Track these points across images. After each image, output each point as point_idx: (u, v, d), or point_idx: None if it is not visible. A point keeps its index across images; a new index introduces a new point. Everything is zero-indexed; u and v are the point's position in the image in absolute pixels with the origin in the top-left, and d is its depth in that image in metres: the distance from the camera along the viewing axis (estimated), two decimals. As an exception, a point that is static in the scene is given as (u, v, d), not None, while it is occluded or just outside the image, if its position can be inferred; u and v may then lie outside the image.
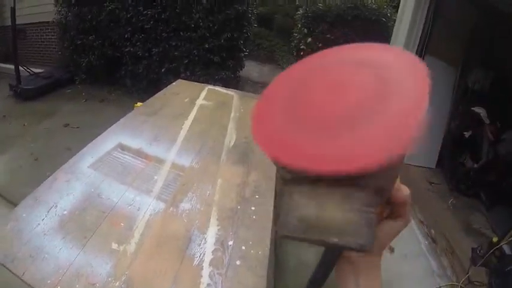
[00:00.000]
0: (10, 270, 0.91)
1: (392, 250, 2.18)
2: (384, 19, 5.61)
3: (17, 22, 4.89)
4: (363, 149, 0.27)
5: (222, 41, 4.46)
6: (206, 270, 0.93)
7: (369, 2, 5.77)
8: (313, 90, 0.34)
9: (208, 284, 0.90)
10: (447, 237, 2.26)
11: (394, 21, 3.97)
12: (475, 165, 2.82)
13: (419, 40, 3.15)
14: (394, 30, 3.62)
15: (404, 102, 0.29)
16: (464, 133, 3.01)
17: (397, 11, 3.83)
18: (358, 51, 0.38)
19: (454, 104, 3.30)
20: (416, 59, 0.33)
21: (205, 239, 1.05)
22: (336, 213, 0.30)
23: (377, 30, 5.47)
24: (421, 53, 3.16)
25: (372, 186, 0.29)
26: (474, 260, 2.06)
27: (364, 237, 0.29)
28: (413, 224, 2.48)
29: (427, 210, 2.60)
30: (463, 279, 1.97)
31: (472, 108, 2.91)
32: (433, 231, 2.36)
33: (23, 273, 0.90)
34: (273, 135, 0.32)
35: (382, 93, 0.30)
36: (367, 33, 5.34)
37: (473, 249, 2.11)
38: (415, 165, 3.23)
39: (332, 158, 0.27)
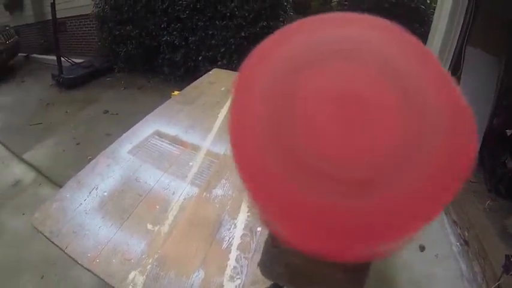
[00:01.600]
0: (55, 244, 1.01)
1: (423, 249, 2.12)
2: (423, 6, 5.32)
3: (57, 16, 5.12)
4: (381, 234, 0.21)
5: (258, 29, 4.41)
6: (233, 254, 0.97)
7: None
8: (307, 107, 0.23)
9: (235, 267, 0.93)
10: (481, 241, 2.15)
11: (434, 8, 3.77)
12: (518, 166, 2.64)
13: (461, 29, 2.96)
14: (434, 18, 3.44)
15: (443, 148, 0.21)
16: (507, 131, 2.82)
17: (437, -1, 3.64)
18: (364, 34, 0.26)
19: (497, 99, 3.08)
20: (445, 72, 0.25)
21: (235, 224, 1.09)
22: (325, 268, 0.26)
23: (416, 17, 5.20)
24: (462, 43, 2.98)
25: None
26: (507, 267, 1.94)
27: None
28: (446, 223, 2.38)
29: (462, 211, 2.48)
30: (493, 287, 1.87)
31: (517, 104, 2.71)
32: (466, 233, 2.26)
33: (66, 247, 0.99)
34: (262, 178, 0.23)
35: (414, 129, 0.21)
36: (406, 21, 5.10)
37: (507, 256, 1.98)
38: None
39: (342, 248, 0.21)
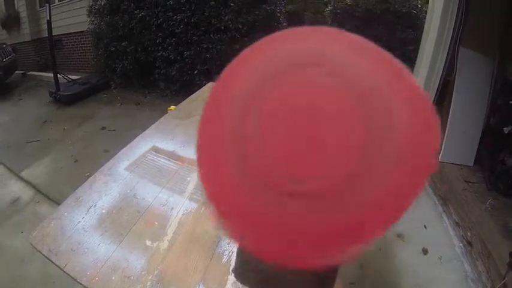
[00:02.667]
0: (54, 263, 1.00)
1: (426, 252, 2.11)
2: (414, 11, 5.40)
3: (54, 33, 5.18)
4: (339, 243, 0.21)
5: (253, 41, 4.46)
6: (234, 268, 0.96)
7: (398, -6, 5.57)
8: (263, 123, 0.23)
9: (235, 281, 0.93)
10: (484, 240, 2.14)
11: (426, 12, 3.82)
12: (516, 163, 2.65)
13: (453, 31, 3.00)
14: (425, 22, 3.48)
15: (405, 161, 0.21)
16: (504, 129, 2.83)
17: (427, 2, 3.69)
18: (315, 45, 0.26)
19: (492, 98, 3.10)
20: (415, 86, 0.24)
21: (235, 238, 1.08)
22: (292, 274, 0.27)
23: (408, 22, 5.27)
24: (454, 45, 3.01)
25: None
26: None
27: None
28: (448, 225, 2.37)
29: (463, 211, 2.47)
30: (499, 286, 1.85)
31: (511, 102, 2.73)
32: (469, 234, 2.25)
33: (65, 265, 0.98)
34: (222, 190, 0.25)
35: (372, 142, 0.21)
36: (398, 27, 5.17)
37: (510, 254, 1.98)
38: (451, 163, 3.07)
39: (305, 255, 0.22)
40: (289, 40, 0.27)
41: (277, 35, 0.28)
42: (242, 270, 0.32)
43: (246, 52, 0.29)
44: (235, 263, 0.33)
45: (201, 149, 0.27)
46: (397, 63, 0.24)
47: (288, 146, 0.22)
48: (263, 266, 0.28)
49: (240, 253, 0.31)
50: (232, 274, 0.35)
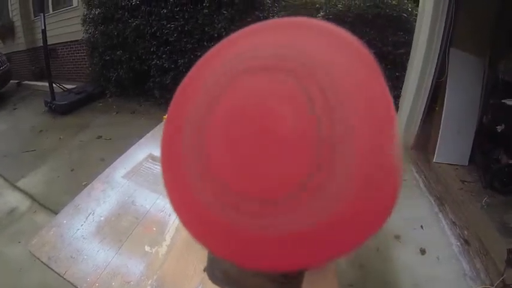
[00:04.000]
0: (54, 270, 1.00)
1: (423, 252, 2.12)
2: (405, 15, 5.45)
3: (48, 42, 5.17)
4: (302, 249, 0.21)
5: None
6: (233, 271, 0.97)
7: (388, -2, 5.64)
8: (219, 128, 0.23)
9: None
10: (481, 238, 2.16)
11: (416, 15, 3.87)
12: (511, 161, 2.68)
13: (443, 33, 3.05)
14: (416, 25, 3.53)
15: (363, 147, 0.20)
16: (497, 127, 2.87)
17: (417, 5, 3.74)
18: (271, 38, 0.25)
19: (484, 98, 3.15)
20: (362, 48, 0.23)
21: (231, 241, 1.09)
22: (257, 277, 0.28)
23: (399, 26, 5.33)
24: (445, 46, 3.06)
25: None
26: (510, 261, 1.95)
27: None
28: (445, 225, 2.39)
29: (460, 211, 2.50)
30: (498, 282, 1.87)
31: (503, 101, 2.77)
32: (466, 232, 2.27)
33: (65, 272, 0.98)
34: (182, 197, 0.25)
35: (327, 152, 0.20)
36: (389, 31, 5.23)
37: (509, 250, 2.00)
38: (446, 163, 3.11)
39: (268, 257, 0.21)
40: (256, 36, 0.26)
41: (245, 29, 0.28)
42: (210, 268, 0.33)
43: (208, 53, 0.28)
44: (207, 261, 0.34)
45: (164, 165, 0.28)
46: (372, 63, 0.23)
47: (241, 155, 0.21)
48: (229, 268, 0.29)
49: (209, 251, 0.31)
50: (204, 272, 0.36)
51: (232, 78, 0.23)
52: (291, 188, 0.20)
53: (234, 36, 0.27)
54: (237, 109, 0.22)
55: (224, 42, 0.27)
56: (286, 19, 0.27)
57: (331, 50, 0.23)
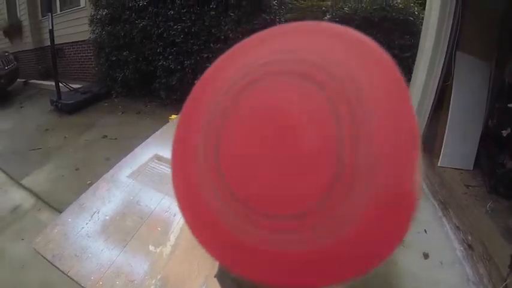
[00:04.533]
0: (58, 268, 1.01)
1: (427, 256, 2.11)
2: (411, 18, 5.45)
3: (55, 42, 5.22)
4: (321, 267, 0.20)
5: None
6: (236, 272, 0.98)
7: (395, 1, 5.63)
8: (234, 137, 0.22)
9: (238, 285, 0.94)
10: (485, 243, 2.14)
11: (423, 19, 3.86)
12: (516, 166, 2.66)
13: (450, 36, 3.03)
14: (422, 28, 3.52)
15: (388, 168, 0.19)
16: (503, 132, 2.85)
17: (424, 9, 3.73)
18: (287, 42, 0.24)
19: (490, 102, 3.12)
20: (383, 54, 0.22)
21: (235, 242, 1.09)
22: None
23: (406, 29, 5.32)
24: (452, 50, 3.04)
25: None
26: (514, 267, 1.93)
27: None
28: (448, 229, 2.37)
29: (464, 215, 2.48)
30: (500, 288, 1.86)
31: (510, 105, 2.75)
32: (469, 237, 2.25)
33: (69, 270, 0.99)
34: (195, 210, 0.25)
35: (350, 159, 0.19)
36: (396, 34, 5.22)
37: (512, 256, 1.98)
38: (450, 168, 3.08)
39: (283, 274, 0.21)
40: (270, 41, 0.25)
41: (258, 35, 0.27)
42: (221, 275, 0.33)
43: (221, 58, 0.28)
44: (218, 268, 0.34)
45: (175, 173, 0.27)
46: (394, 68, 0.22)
47: (261, 166, 0.21)
48: (239, 277, 0.29)
49: None
50: (215, 278, 0.36)
51: (253, 82, 0.22)
52: (303, 206, 0.19)
53: (256, 37, 0.27)
54: (256, 115, 0.21)
55: (245, 43, 0.27)
56: (313, 23, 0.25)
57: (364, 66, 0.22)
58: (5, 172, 3.45)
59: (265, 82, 0.22)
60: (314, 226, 0.19)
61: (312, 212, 0.19)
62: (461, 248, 2.19)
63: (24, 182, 3.21)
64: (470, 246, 2.18)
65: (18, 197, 2.99)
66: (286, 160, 0.20)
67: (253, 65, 0.23)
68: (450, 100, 3.03)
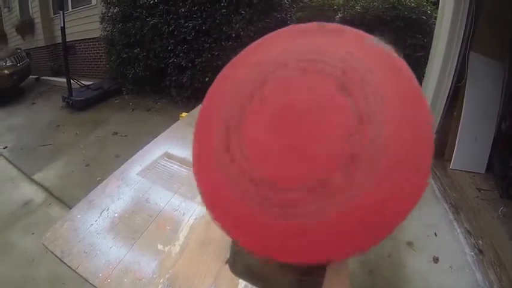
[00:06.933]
0: (66, 264, 1.02)
1: (436, 260, 2.08)
2: (424, 17, 5.35)
3: (67, 39, 5.29)
4: (332, 239, 0.21)
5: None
6: (244, 272, 0.97)
7: (407, 0, 5.54)
8: (255, 125, 0.24)
9: (246, 285, 0.93)
10: (496, 249, 2.10)
11: (435, 18, 3.79)
12: (529, 170, 2.60)
13: (463, 36, 2.97)
14: (435, 28, 3.45)
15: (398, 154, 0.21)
16: (516, 134, 2.78)
17: (437, 8, 3.66)
18: (308, 41, 0.26)
19: (504, 103, 3.06)
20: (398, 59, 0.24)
21: (245, 243, 1.09)
22: (277, 274, 0.28)
23: (418, 29, 5.24)
24: (465, 50, 2.98)
25: None
26: (525, 274, 1.89)
27: None
28: (459, 234, 2.33)
29: (475, 220, 2.43)
30: (511, 294, 1.82)
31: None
32: (480, 242, 2.21)
33: (77, 266, 1.00)
34: (215, 195, 0.26)
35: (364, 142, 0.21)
36: (408, 33, 5.14)
37: (524, 262, 1.94)
38: (462, 171, 3.03)
39: (295, 248, 0.22)
40: (289, 38, 0.27)
41: (276, 33, 0.28)
42: (233, 261, 0.34)
43: (242, 53, 0.29)
44: (230, 254, 0.34)
45: (196, 158, 0.29)
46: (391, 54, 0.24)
47: (280, 150, 0.22)
48: (252, 262, 0.30)
49: (232, 244, 0.32)
50: (227, 264, 0.36)
51: (283, 71, 0.24)
52: (325, 175, 0.21)
53: (280, 33, 0.27)
54: (281, 102, 0.23)
55: (266, 39, 0.28)
56: (336, 25, 0.27)
57: (387, 75, 0.23)
58: (16, 167, 3.51)
59: (293, 75, 0.23)
60: (333, 193, 0.21)
61: (331, 180, 0.21)
62: (472, 253, 2.15)
63: (35, 177, 3.26)
64: (481, 251, 2.13)
65: (29, 191, 3.04)
66: (307, 135, 0.22)
67: (288, 58, 0.25)
68: (463, 101, 2.97)
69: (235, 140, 0.24)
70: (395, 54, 0.24)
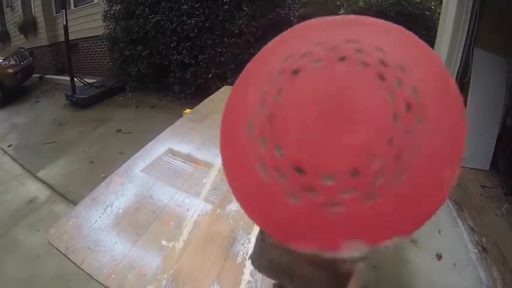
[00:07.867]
0: (71, 260, 1.03)
1: (440, 257, 2.07)
2: (428, 13, 5.32)
3: (70, 38, 5.32)
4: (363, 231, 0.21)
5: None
6: (248, 268, 0.97)
7: (411, -5, 5.50)
8: (291, 114, 0.23)
9: (249, 281, 0.94)
10: (499, 246, 2.08)
11: (439, 14, 3.77)
12: (534, 167, 2.58)
13: (467, 32, 2.94)
14: (439, 24, 3.43)
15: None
16: (521, 131, 2.76)
17: (441, 3, 3.64)
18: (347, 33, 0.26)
19: (508, 99, 3.03)
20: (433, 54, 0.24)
21: (249, 239, 1.09)
22: (306, 268, 0.28)
23: (422, 24, 5.20)
24: (469, 46, 2.96)
25: None
26: (528, 271, 1.88)
27: None
28: (463, 231, 2.32)
29: (479, 217, 2.42)
30: (515, 292, 1.81)
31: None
32: (484, 240, 2.20)
33: (82, 262, 1.01)
34: (245, 182, 0.25)
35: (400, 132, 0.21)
36: (411, 29, 5.10)
37: (528, 260, 1.93)
38: (466, 167, 3.01)
39: (326, 237, 0.22)
40: (324, 28, 0.27)
41: (307, 22, 0.29)
42: (257, 257, 0.33)
43: (273, 42, 0.29)
44: (253, 249, 0.34)
45: (225, 147, 0.28)
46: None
47: (318, 137, 0.22)
48: (277, 257, 0.29)
49: (259, 241, 0.32)
50: (249, 260, 0.36)
51: (318, 62, 0.24)
52: (361, 163, 0.21)
53: (327, 20, 0.28)
54: (319, 90, 0.23)
55: (295, 29, 0.29)
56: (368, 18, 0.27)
57: (426, 70, 0.23)
58: (21, 165, 3.54)
59: (332, 63, 0.24)
60: (373, 181, 0.21)
61: (366, 170, 0.21)
62: (475, 250, 2.14)
63: (39, 174, 3.29)
64: (484, 249, 2.13)
65: (34, 189, 3.06)
66: (342, 128, 0.22)
67: (323, 46, 0.25)
68: (467, 98, 2.95)
69: (270, 128, 0.24)
70: (430, 48, 0.24)
